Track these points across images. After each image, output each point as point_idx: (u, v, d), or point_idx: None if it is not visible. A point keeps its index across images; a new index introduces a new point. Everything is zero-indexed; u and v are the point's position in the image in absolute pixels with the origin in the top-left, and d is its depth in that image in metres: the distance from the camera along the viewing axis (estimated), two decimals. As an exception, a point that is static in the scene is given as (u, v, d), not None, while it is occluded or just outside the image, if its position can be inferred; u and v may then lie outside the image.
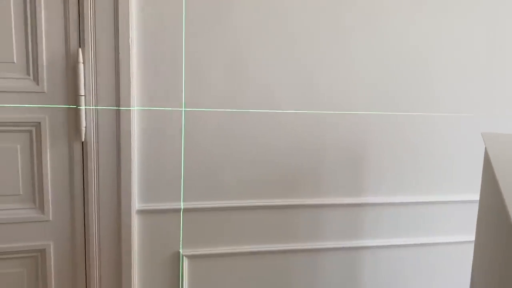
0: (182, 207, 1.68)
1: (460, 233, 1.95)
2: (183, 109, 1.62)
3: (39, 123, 1.53)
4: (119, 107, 1.54)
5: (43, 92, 1.52)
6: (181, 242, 1.71)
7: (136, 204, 1.64)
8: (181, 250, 1.71)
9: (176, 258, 1.72)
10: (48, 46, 1.49)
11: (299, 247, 1.81)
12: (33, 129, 1.54)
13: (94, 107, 1.53)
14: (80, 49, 1.49)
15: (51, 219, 1.60)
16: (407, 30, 1.74)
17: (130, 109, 1.55)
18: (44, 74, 1.50)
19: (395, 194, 1.86)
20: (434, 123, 1.84)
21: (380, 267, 1.93)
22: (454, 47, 1.80)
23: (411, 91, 1.79)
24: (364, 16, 1.70)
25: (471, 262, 1.43)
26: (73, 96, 1.53)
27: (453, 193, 1.91)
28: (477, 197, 1.82)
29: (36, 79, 1.51)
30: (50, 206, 1.59)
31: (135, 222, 1.65)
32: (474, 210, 1.82)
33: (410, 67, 1.78)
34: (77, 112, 1.53)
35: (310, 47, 1.68)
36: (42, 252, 1.61)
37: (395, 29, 1.73)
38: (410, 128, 1.82)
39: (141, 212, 1.65)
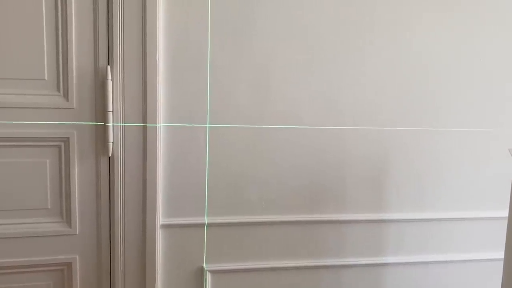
0: (206, 222, 1.69)
1: (484, 250, 1.93)
2: (207, 125, 1.65)
3: (68, 138, 1.56)
4: (145, 123, 1.57)
5: (72, 108, 1.55)
6: (204, 257, 1.72)
7: (161, 218, 1.66)
8: (204, 265, 1.72)
9: (199, 273, 1.73)
10: (78, 64, 1.53)
11: (321, 263, 1.81)
12: (62, 144, 1.57)
13: (121, 124, 1.56)
14: (109, 67, 1.53)
15: (77, 233, 1.62)
16: (429, 46, 1.75)
17: (156, 126, 1.58)
18: (73, 90, 1.54)
19: (418, 211, 1.85)
20: (457, 138, 1.83)
21: (402, 284, 1.91)
22: (477, 63, 1.80)
23: (434, 106, 1.79)
24: (387, 33, 1.71)
25: (496, 280, 1.41)
26: (101, 112, 1.56)
27: (477, 209, 1.90)
28: (501, 213, 1.82)
29: (66, 96, 1.54)
30: (77, 220, 1.61)
31: (160, 237, 1.66)
32: (499, 226, 1.82)
33: (432, 83, 1.78)
34: (104, 128, 1.56)
35: (334, 63, 1.69)
36: (69, 265, 1.64)
37: (418, 45, 1.74)
38: (433, 143, 1.82)
39: (165, 226, 1.67)
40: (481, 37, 1.78)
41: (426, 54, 1.75)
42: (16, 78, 1.51)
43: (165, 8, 1.55)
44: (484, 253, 1.93)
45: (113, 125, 1.56)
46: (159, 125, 1.59)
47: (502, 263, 1.42)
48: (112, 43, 1.53)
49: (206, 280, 1.72)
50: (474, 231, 1.92)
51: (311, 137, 1.72)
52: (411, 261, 1.88)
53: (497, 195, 1.87)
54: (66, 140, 1.57)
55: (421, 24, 1.73)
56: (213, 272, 1.73)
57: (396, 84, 1.75)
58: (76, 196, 1.60)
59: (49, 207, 1.60)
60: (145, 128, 1.58)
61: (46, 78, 1.53)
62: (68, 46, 1.52)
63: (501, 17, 1.78)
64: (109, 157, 1.59)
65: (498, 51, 1.80)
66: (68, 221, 1.61)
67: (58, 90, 1.54)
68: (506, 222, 1.41)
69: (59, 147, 1.57)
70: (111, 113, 1.55)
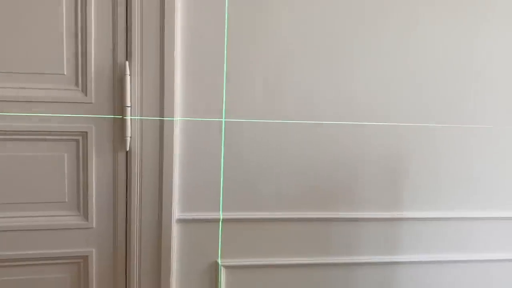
0: (221, 217, 1.70)
1: (501, 250, 1.92)
2: (223, 119, 1.66)
3: (86, 132, 1.58)
4: (163, 117, 1.59)
5: (91, 103, 1.57)
6: (219, 252, 1.73)
7: (176, 213, 1.67)
8: (219, 260, 1.73)
9: (214, 268, 1.73)
10: (97, 59, 1.55)
11: (336, 261, 1.81)
12: (80, 138, 1.59)
13: (139, 118, 1.58)
14: (127, 62, 1.55)
15: (94, 226, 1.64)
16: (445, 42, 1.75)
17: (173, 120, 1.59)
18: (92, 85, 1.56)
19: (434, 209, 1.85)
20: (474, 135, 1.82)
21: (417, 283, 1.90)
22: (492, 58, 1.79)
23: (451, 102, 1.79)
24: (404, 29, 1.71)
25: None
26: (119, 106, 1.58)
27: (494, 209, 1.89)
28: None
29: (85, 90, 1.56)
30: (94, 213, 1.63)
31: (175, 231, 1.67)
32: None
33: (449, 79, 1.77)
34: (122, 122, 1.58)
35: (349, 59, 1.70)
36: (85, 258, 1.65)
37: (434, 41, 1.74)
38: (449, 140, 1.81)
39: (181, 221, 1.68)
40: (499, 34, 1.78)
41: (443, 51, 1.75)
42: (35, 72, 1.53)
43: (183, 3, 1.57)
44: (501, 254, 1.92)
45: (131, 119, 1.57)
46: (176, 119, 1.60)
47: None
48: (131, 38, 1.54)
49: (220, 275, 1.73)
50: (491, 230, 1.91)
51: (326, 133, 1.73)
52: (426, 260, 1.88)
53: (512, 194, 1.87)
54: (84, 134, 1.58)
55: (437, 21, 1.73)
56: (227, 267, 1.74)
57: (412, 81, 1.75)
58: (93, 190, 1.61)
59: (66, 200, 1.61)
60: (162, 122, 1.59)
61: (65, 73, 1.55)
62: (87, 41, 1.53)
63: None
64: (127, 151, 1.60)
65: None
66: (85, 215, 1.63)
67: (77, 84, 1.56)
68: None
69: (77, 141, 1.59)
70: (129, 107, 1.57)
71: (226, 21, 1.61)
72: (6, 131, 1.53)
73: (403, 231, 1.85)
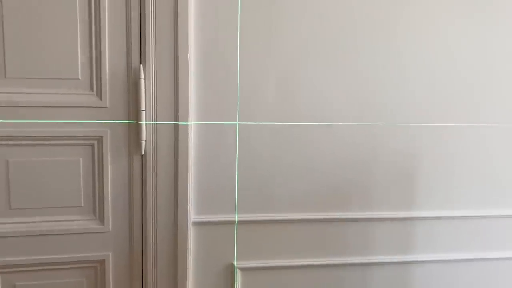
0: (236, 219, 1.70)
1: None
2: (237, 122, 1.66)
3: (101, 136, 1.59)
4: (177, 121, 1.59)
5: (106, 107, 1.57)
6: (235, 254, 1.73)
7: (192, 216, 1.67)
8: (235, 262, 1.73)
9: (229, 270, 1.74)
10: (111, 63, 1.55)
11: (351, 261, 1.81)
12: (95, 142, 1.59)
13: (153, 122, 1.58)
14: (141, 66, 1.55)
15: (110, 230, 1.64)
16: (457, 42, 1.75)
17: (187, 124, 1.60)
18: (107, 89, 1.56)
19: (447, 208, 1.85)
20: (487, 134, 1.82)
21: (431, 282, 1.90)
22: (504, 57, 1.79)
23: (464, 102, 1.79)
24: (415, 30, 1.71)
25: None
26: (134, 110, 1.58)
27: (507, 207, 1.88)
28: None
29: (99, 95, 1.57)
30: (110, 217, 1.63)
31: (190, 234, 1.68)
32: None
33: (461, 78, 1.77)
34: (137, 126, 1.58)
35: (361, 61, 1.70)
36: (101, 262, 1.66)
37: (445, 41, 1.74)
38: (462, 140, 1.81)
39: (196, 224, 1.68)
40: (510, 34, 1.78)
41: (456, 51, 1.75)
42: (50, 77, 1.53)
43: (196, 7, 1.57)
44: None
45: (145, 123, 1.58)
46: (190, 123, 1.60)
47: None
48: (145, 42, 1.55)
49: (236, 277, 1.73)
50: (504, 228, 1.91)
51: (340, 134, 1.73)
52: (441, 258, 1.88)
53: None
54: (100, 139, 1.59)
55: (449, 23, 1.73)
56: (243, 269, 1.74)
57: (425, 81, 1.75)
58: (109, 194, 1.62)
59: (82, 204, 1.62)
60: (177, 126, 1.59)
61: (80, 78, 1.55)
62: (102, 46, 1.54)
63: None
64: (142, 155, 1.61)
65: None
66: (101, 219, 1.63)
67: (92, 89, 1.56)
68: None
69: (92, 145, 1.59)
70: (144, 111, 1.57)
71: (238, 24, 1.61)
72: (21, 136, 1.54)
73: (418, 230, 1.85)
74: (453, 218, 1.85)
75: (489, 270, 1.93)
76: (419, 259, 1.87)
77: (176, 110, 1.59)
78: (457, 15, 1.73)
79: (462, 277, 1.92)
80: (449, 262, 1.89)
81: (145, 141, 1.59)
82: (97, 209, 1.63)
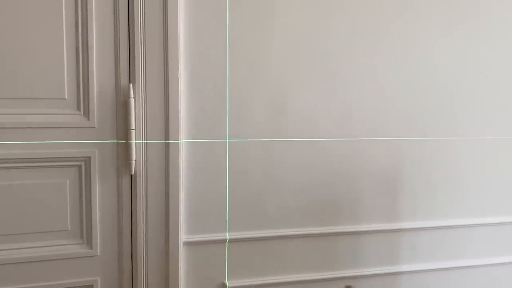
0: (227, 238, 1.68)
1: (498, 254, 1.99)
2: (227, 140, 1.66)
3: (89, 157, 1.54)
4: (168, 140, 1.57)
5: (93, 127, 1.54)
6: (226, 274, 1.71)
7: (183, 236, 1.64)
8: (226, 282, 1.71)
9: (222, 290, 1.72)
10: (99, 82, 1.53)
11: (342, 275, 1.82)
12: (83, 163, 1.55)
13: (143, 141, 1.56)
14: (131, 84, 1.53)
15: (99, 254, 1.59)
16: (438, 56, 1.82)
17: (178, 142, 1.58)
18: (94, 109, 1.53)
19: (432, 219, 1.90)
20: (467, 147, 1.90)
21: (417, 292, 1.95)
22: (487, 72, 1.88)
23: (444, 116, 1.86)
24: (398, 45, 1.77)
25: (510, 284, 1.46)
26: (123, 130, 1.55)
27: (489, 215, 1.96)
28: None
29: (87, 115, 1.53)
30: (98, 241, 1.58)
31: (182, 254, 1.65)
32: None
33: (442, 93, 1.85)
34: (127, 146, 1.55)
35: (347, 78, 1.74)
36: (90, 287, 1.60)
37: (426, 56, 1.81)
38: (443, 152, 1.88)
39: (187, 244, 1.65)
40: (489, 49, 1.87)
41: (437, 65, 1.82)
42: (35, 97, 1.49)
43: (186, 25, 1.57)
44: (499, 258, 1.99)
45: (135, 142, 1.55)
46: (181, 141, 1.59)
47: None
48: (134, 60, 1.53)
49: (228, 297, 1.71)
50: (487, 236, 1.98)
51: (326, 149, 1.75)
52: (427, 268, 1.92)
53: (507, 200, 1.95)
54: (87, 159, 1.55)
55: (431, 36, 1.80)
56: (235, 288, 1.72)
57: (406, 96, 1.81)
58: (97, 217, 1.57)
59: (69, 228, 1.56)
60: (167, 144, 1.57)
61: (66, 97, 1.51)
62: (89, 65, 1.51)
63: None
64: (131, 175, 1.57)
65: (505, 61, 1.90)
66: (89, 243, 1.58)
67: (79, 109, 1.53)
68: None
69: (79, 166, 1.55)
70: (134, 131, 1.54)
71: (227, 43, 1.62)
72: (5, 159, 1.48)
73: (404, 242, 1.89)
74: (437, 228, 1.91)
75: (474, 277, 1.99)
76: (405, 270, 1.91)
77: (167, 128, 1.57)
78: (437, 29, 1.81)
79: (447, 285, 1.97)
80: (434, 271, 1.94)
81: (135, 160, 1.56)
82: (84, 232, 1.58)
